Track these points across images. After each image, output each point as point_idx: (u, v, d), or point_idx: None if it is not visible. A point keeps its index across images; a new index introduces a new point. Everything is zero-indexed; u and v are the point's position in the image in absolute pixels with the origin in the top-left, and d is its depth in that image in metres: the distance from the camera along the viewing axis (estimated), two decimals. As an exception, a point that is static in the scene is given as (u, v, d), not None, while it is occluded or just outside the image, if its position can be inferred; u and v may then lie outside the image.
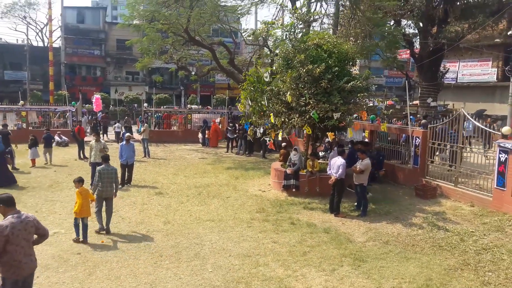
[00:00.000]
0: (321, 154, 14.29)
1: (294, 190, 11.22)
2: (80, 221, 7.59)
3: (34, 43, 47.76)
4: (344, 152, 10.93)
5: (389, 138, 14.25)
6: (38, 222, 4.56)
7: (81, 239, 7.55)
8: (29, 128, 21.71)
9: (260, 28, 20.04)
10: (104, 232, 8.04)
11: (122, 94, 40.27)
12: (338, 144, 12.75)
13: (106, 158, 8.73)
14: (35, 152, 15.16)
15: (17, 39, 59.47)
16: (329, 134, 10.94)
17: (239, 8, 21.41)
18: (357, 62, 14.23)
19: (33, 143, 15.04)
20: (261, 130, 13.09)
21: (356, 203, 10.06)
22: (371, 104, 15.49)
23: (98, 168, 8.43)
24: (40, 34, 49.95)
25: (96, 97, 25.61)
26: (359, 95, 11.02)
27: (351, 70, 11.65)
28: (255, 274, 6.34)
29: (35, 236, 4.59)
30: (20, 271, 4.34)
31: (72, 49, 42.40)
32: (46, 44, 44.51)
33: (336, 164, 9.57)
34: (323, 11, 18.57)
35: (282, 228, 8.52)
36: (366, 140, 14.42)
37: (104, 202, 8.20)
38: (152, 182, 12.83)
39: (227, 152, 19.96)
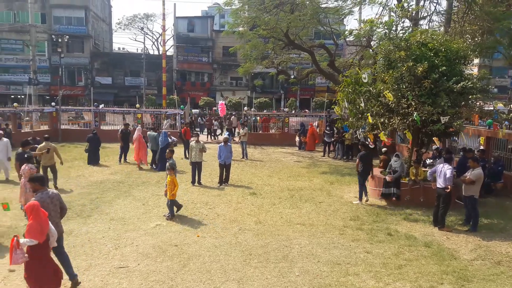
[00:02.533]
0: (428, 161, 13.24)
1: (394, 199, 10.59)
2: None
3: (150, 52, 53.05)
4: (452, 159, 9.98)
5: (509, 147, 12.63)
6: (60, 197, 6.00)
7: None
8: (143, 128, 24.07)
9: (362, 28, 19.38)
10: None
11: (226, 99, 42.44)
12: (447, 151, 11.69)
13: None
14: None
15: (136, 49, 66.76)
16: (434, 139, 10.10)
17: (341, 9, 21.02)
18: (472, 61, 12.86)
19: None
20: (360, 133, 12.62)
21: (465, 217, 9.10)
22: (489, 108, 13.91)
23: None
24: (155, 43, 55.37)
25: (221, 102, 27.47)
26: (471, 97, 9.96)
27: (463, 70, 10.58)
28: (344, 283, 6.12)
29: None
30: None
31: (183, 57, 45.98)
32: (160, 53, 49.06)
33: (443, 172, 8.76)
34: (432, 8, 17.26)
35: (377, 239, 8.09)
36: (482, 147, 12.97)
37: None
38: (247, 182, 13.24)
39: (324, 156, 19.68)
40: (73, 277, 5.83)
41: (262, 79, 32.32)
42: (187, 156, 18.08)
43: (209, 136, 26.24)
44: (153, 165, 15.71)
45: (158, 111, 26.08)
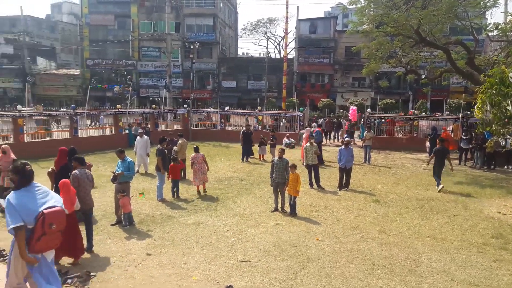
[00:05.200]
0: None
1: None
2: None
3: (272, 55, 54.90)
4: None
5: None
6: (92, 177, 7.53)
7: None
8: (263, 130, 25.03)
9: (510, 21, 17.14)
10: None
11: (347, 100, 41.60)
12: None
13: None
14: (264, 149, 18.24)
15: (259, 53, 69.63)
16: None
17: (483, 1, 18.89)
18: None
19: (261, 143, 18.16)
20: (506, 141, 11.18)
21: None
22: None
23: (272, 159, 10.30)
24: (277, 47, 57.06)
25: (353, 108, 27.38)
26: None
27: None
28: (484, 308, 5.48)
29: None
30: (84, 205, 7.01)
31: (304, 59, 46.49)
32: (281, 56, 50.41)
33: None
34: None
35: (527, 262, 7.05)
36: None
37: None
38: (370, 188, 12.77)
39: (459, 164, 17.89)
40: (90, 247, 7.11)
41: (387, 80, 30.80)
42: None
43: (329, 139, 26.06)
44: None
45: (278, 113, 26.82)
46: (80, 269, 6.36)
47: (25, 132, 18.44)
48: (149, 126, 22.84)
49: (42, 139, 19.62)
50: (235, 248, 7.45)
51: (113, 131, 22.80)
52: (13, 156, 10.88)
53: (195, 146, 12.28)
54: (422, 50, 23.10)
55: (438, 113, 27.33)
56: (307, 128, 17.42)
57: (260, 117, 25.92)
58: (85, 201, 7.08)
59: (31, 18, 57.54)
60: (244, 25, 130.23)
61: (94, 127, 25.46)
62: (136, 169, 13.54)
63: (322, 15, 57.97)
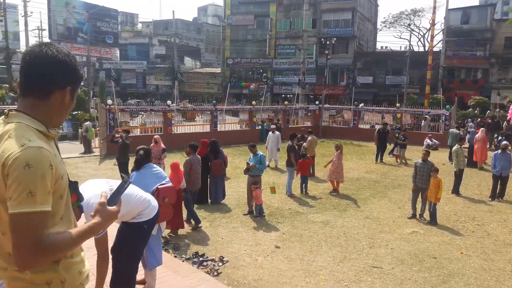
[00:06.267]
0: None
1: None
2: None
3: (415, 49, 51.25)
4: None
5: None
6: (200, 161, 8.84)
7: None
8: (393, 129, 23.57)
9: None
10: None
11: (504, 98, 36.55)
12: None
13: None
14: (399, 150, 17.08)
15: (400, 47, 65.71)
16: None
17: None
18: None
19: (396, 143, 17.06)
20: None
21: None
22: None
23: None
24: (421, 39, 53.03)
25: None
26: None
27: None
28: None
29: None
30: (193, 187, 8.44)
31: (453, 52, 42.36)
32: (426, 49, 46.72)
33: None
34: None
35: None
36: None
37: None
38: (532, 202, 11.01)
39: None
40: (197, 223, 8.08)
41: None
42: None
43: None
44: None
45: (419, 111, 24.97)
46: (215, 253, 6.87)
47: (173, 124, 20.80)
48: (280, 122, 23.51)
49: (186, 132, 21.80)
50: (365, 252, 7.18)
51: (247, 126, 24.12)
52: (163, 145, 12.35)
53: (337, 143, 12.36)
54: None
55: None
56: (482, 129, 15.89)
57: (398, 115, 24.48)
58: (195, 183, 8.54)
59: (181, 21, 64.29)
60: (384, 17, 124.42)
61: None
62: (266, 163, 14.09)
63: (476, 3, 51.99)
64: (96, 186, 3.65)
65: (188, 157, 8.71)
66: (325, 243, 7.56)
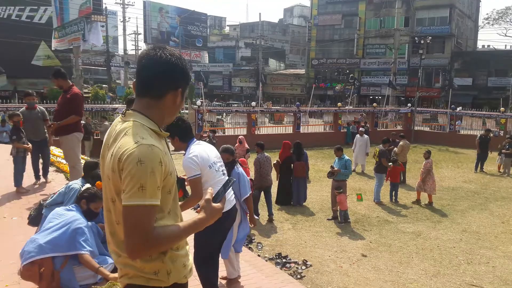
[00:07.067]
0: None
1: None
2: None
3: (525, 47, 46.41)
4: None
5: None
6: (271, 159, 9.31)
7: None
8: (506, 136, 21.50)
9: None
10: None
11: None
12: None
13: None
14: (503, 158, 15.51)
15: (505, 45, 59.98)
16: None
17: None
18: None
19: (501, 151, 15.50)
20: None
21: None
22: None
23: None
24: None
25: None
26: None
27: None
28: None
29: None
30: (264, 184, 8.88)
31: None
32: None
33: None
34: None
35: None
36: None
37: None
38: None
39: None
40: (270, 215, 8.69)
41: None
42: None
43: None
44: None
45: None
46: (298, 256, 6.84)
47: (256, 125, 21.20)
48: (368, 125, 22.77)
49: (269, 133, 22.07)
50: (462, 268, 6.64)
51: (332, 129, 23.72)
52: (246, 146, 12.64)
53: (427, 150, 11.56)
54: None
55: None
56: None
57: (502, 120, 22.34)
58: (265, 179, 8.93)
59: (267, 23, 65.35)
60: (487, 13, 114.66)
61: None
62: (352, 167, 13.70)
63: None
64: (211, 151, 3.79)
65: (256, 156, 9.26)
66: (417, 255, 7.14)
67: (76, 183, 4.43)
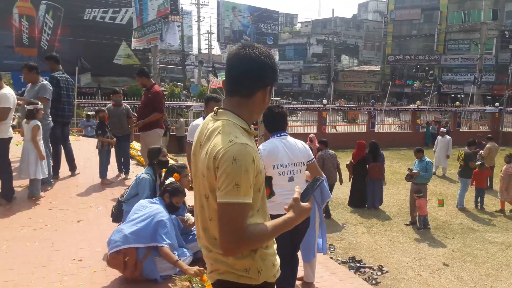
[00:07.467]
0: None
1: None
2: None
3: None
4: None
5: None
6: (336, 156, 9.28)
7: None
8: None
9: None
10: None
11: None
12: None
13: None
14: None
15: None
16: None
17: None
18: None
19: None
20: None
21: None
22: None
23: None
24: None
25: None
26: None
27: None
28: None
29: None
30: (329, 180, 8.19)
31: None
32: None
33: None
34: None
35: None
36: None
37: None
38: None
39: None
40: (328, 215, 8.59)
41: None
42: None
43: None
44: None
45: None
46: (373, 261, 6.62)
47: (327, 124, 20.87)
48: (449, 125, 21.45)
49: (341, 132, 21.63)
50: (562, 286, 6.01)
51: (409, 129, 22.68)
52: (317, 144, 12.45)
53: (509, 153, 10.49)
54: None
55: None
56: None
57: None
58: (329, 177, 8.48)
59: (340, 19, 64.01)
60: None
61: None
62: (433, 170, 12.96)
63: None
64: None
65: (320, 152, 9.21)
66: (507, 268, 6.58)
67: (144, 173, 4.63)
